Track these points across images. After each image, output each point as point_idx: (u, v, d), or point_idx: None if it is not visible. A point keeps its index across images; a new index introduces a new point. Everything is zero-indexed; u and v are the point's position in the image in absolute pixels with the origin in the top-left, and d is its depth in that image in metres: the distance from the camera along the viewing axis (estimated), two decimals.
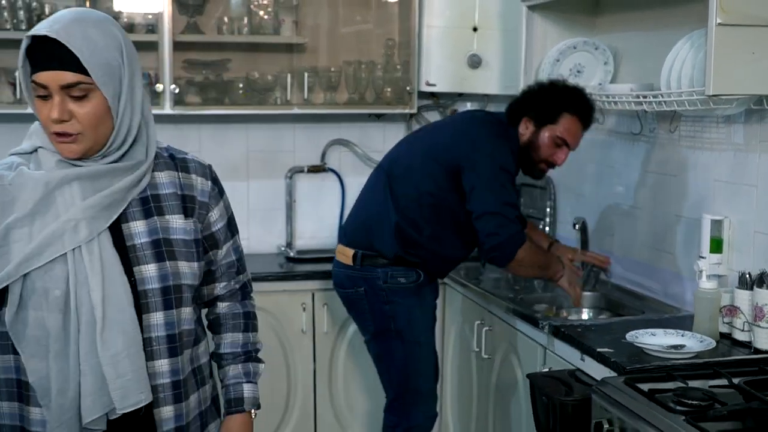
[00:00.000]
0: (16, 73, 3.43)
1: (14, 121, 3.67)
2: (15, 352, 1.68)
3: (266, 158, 3.98)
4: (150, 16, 3.60)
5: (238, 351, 1.93)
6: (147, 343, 1.70)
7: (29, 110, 3.38)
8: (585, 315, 3.19)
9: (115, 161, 1.69)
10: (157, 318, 1.72)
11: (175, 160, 1.79)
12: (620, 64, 3.24)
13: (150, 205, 1.74)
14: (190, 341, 1.80)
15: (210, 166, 1.85)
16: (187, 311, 1.77)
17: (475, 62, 3.84)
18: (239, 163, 3.95)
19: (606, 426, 2.11)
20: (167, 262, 1.73)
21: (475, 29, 3.83)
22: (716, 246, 2.66)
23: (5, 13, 3.46)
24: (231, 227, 1.89)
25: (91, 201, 1.65)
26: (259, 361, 1.97)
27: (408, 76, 3.85)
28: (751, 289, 2.43)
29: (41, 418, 1.68)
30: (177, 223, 1.75)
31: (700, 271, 2.59)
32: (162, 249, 1.73)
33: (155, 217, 1.74)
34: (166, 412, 1.74)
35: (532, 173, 3.03)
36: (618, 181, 3.27)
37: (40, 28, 1.60)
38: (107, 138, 1.66)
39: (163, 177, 1.77)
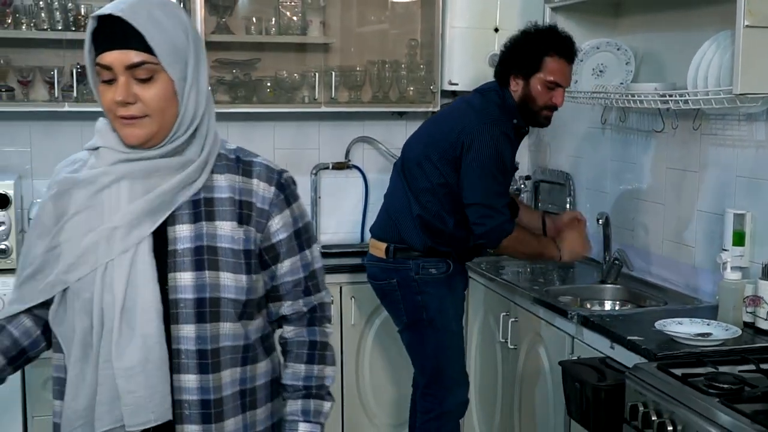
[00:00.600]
0: (57, 70, 3.55)
1: (50, 119, 3.78)
2: (59, 351, 1.66)
3: (292, 155, 4.07)
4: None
5: (298, 384, 1.73)
6: (175, 354, 1.60)
7: (66, 108, 3.54)
8: (608, 306, 3.30)
9: (170, 155, 1.61)
10: (187, 330, 1.60)
11: (239, 163, 1.68)
12: (641, 64, 3.34)
13: (201, 209, 1.63)
14: (236, 359, 1.65)
15: (281, 172, 1.70)
16: (227, 326, 1.62)
17: (496, 62, 3.93)
18: None
19: (641, 409, 2.22)
20: (206, 272, 1.60)
21: (496, 30, 3.93)
22: (738, 239, 2.76)
23: (42, 14, 3.56)
24: (300, 240, 1.70)
25: (135, 206, 1.58)
26: (323, 398, 1.75)
27: (431, 75, 3.95)
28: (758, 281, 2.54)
29: None
30: (225, 230, 1.62)
31: (724, 263, 2.70)
32: (203, 257, 1.61)
33: (203, 223, 1.62)
34: (190, 431, 1.61)
35: (538, 123, 3.15)
36: (639, 177, 3.37)
37: (105, 9, 1.55)
38: (172, 124, 1.58)
39: (222, 180, 1.65)
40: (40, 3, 3.55)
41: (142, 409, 1.56)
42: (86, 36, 1.58)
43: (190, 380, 1.60)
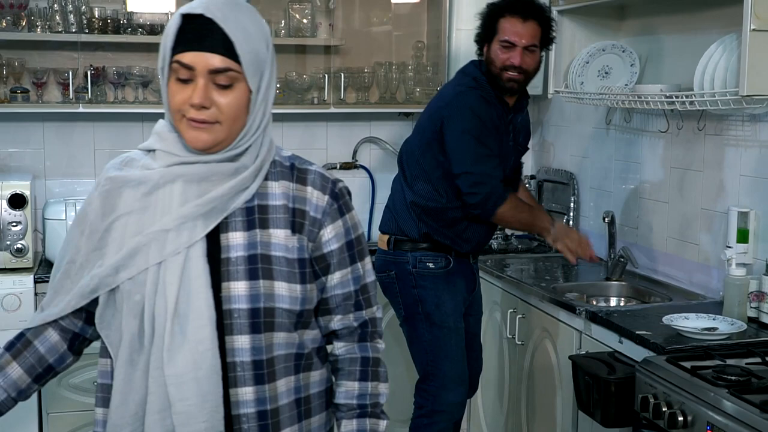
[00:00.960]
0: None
1: (63, 120, 3.84)
2: (106, 356, 1.63)
3: (300, 155, 4.12)
4: None
5: (352, 403, 1.68)
6: (230, 368, 1.55)
7: (80, 109, 3.60)
8: (613, 302, 3.38)
9: (226, 160, 1.57)
10: (242, 341, 1.56)
11: (294, 171, 1.63)
12: (645, 65, 3.42)
13: (254, 216, 1.60)
14: (289, 367, 1.61)
15: (336, 181, 1.66)
16: (281, 336, 1.59)
17: None
18: None
19: (652, 401, 2.29)
20: (261, 281, 1.56)
21: None
22: (742, 236, 2.84)
23: (57, 17, 3.62)
24: (351, 252, 1.66)
25: (186, 209, 1.55)
26: (379, 417, 1.70)
27: (437, 76, 4.02)
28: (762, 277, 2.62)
29: None
30: (279, 239, 1.59)
31: (729, 260, 2.77)
32: (257, 266, 1.57)
33: (257, 230, 1.59)
34: None
35: (503, 87, 3.07)
36: (643, 176, 3.45)
37: (195, 7, 1.50)
38: (238, 133, 1.56)
39: (276, 187, 1.61)
40: (55, 6, 3.61)
41: (194, 419, 1.52)
42: (169, 31, 1.52)
43: (247, 393, 1.56)
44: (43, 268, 3.53)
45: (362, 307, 1.69)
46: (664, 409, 2.23)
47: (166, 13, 3.75)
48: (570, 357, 2.77)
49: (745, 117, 2.86)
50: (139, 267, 1.55)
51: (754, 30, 2.40)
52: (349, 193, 1.70)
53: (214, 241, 1.57)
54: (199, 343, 1.52)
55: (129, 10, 3.72)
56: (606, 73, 3.42)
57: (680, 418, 2.17)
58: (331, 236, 1.63)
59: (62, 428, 3.50)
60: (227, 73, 1.51)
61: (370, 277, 1.71)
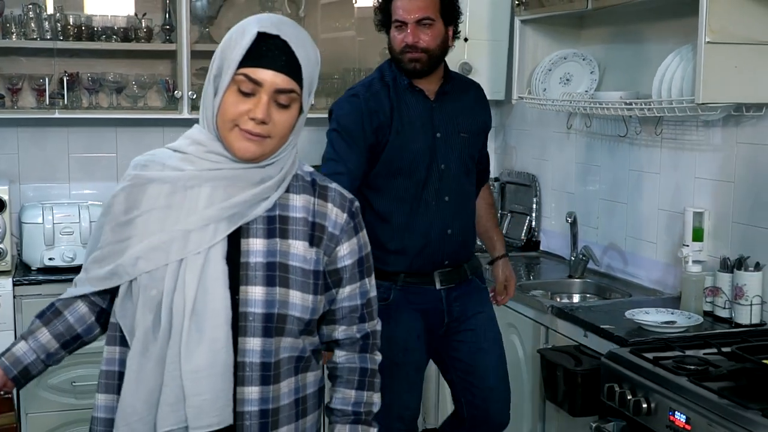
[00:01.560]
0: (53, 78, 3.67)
1: (37, 125, 3.90)
2: (121, 344, 1.69)
3: None
4: (168, 27, 3.85)
5: (347, 409, 1.78)
6: (240, 367, 1.63)
7: (57, 114, 3.65)
8: (576, 299, 3.54)
9: (253, 168, 1.65)
10: (253, 343, 1.64)
11: (315, 186, 1.73)
12: (604, 73, 3.59)
13: (275, 225, 1.68)
14: (291, 369, 1.70)
15: (353, 200, 1.76)
16: (288, 341, 1.68)
17: (465, 70, 4.15)
18: None
19: (618, 389, 2.44)
20: (277, 288, 1.65)
21: (465, 40, 4.13)
22: (698, 235, 3.01)
23: (32, 24, 3.67)
24: (362, 268, 1.77)
25: (211, 211, 1.63)
26: (370, 424, 1.81)
27: None
28: (732, 272, 2.80)
29: None
30: (298, 250, 1.68)
31: (686, 257, 2.95)
32: (275, 273, 1.65)
33: (277, 239, 1.67)
34: None
35: (406, 70, 2.75)
36: (603, 178, 3.62)
37: (269, 27, 1.60)
38: (279, 148, 1.65)
39: (298, 200, 1.70)
40: (30, 14, 3.67)
41: (206, 413, 1.60)
42: (239, 44, 1.59)
43: (253, 392, 1.64)
44: (20, 271, 3.58)
45: (365, 319, 1.79)
46: (629, 398, 2.39)
47: (136, 17, 3.81)
48: (538, 350, 2.92)
49: (699, 123, 3.04)
50: (158, 262, 1.62)
51: (708, 42, 2.56)
52: (361, 212, 1.79)
53: (234, 244, 1.65)
54: (215, 341, 1.60)
55: (88, 13, 3.76)
56: (567, 80, 3.58)
57: (644, 405, 2.33)
58: (346, 252, 1.74)
59: (41, 428, 3.55)
60: (289, 94, 1.60)
61: (374, 292, 1.82)
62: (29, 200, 3.86)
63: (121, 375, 1.67)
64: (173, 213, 1.64)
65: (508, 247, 4.01)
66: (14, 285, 3.44)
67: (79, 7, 3.81)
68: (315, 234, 1.70)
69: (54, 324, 1.76)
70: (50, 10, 3.70)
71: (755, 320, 2.75)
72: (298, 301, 1.66)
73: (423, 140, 2.76)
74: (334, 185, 1.76)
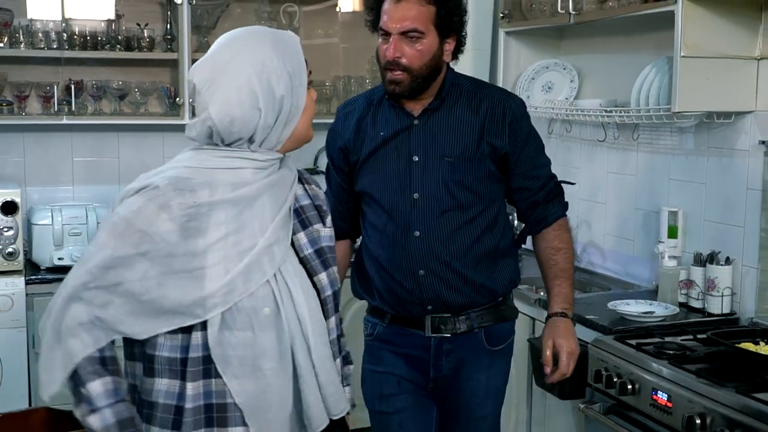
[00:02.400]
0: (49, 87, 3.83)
1: (42, 131, 4.06)
2: (210, 376, 1.66)
3: None
4: (169, 36, 4.03)
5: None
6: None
7: (64, 120, 3.80)
8: None
9: (281, 166, 1.75)
10: (331, 323, 1.81)
11: (302, 175, 1.87)
12: (583, 81, 3.83)
13: (302, 216, 1.81)
14: (335, 340, 1.86)
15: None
16: (336, 317, 1.86)
17: None
18: None
19: (605, 373, 2.68)
20: (331, 269, 1.82)
21: None
22: (672, 232, 3.27)
23: (39, 34, 3.83)
24: None
25: (278, 221, 1.71)
26: (351, 363, 1.99)
27: None
28: (704, 266, 3.05)
29: None
30: (324, 232, 1.84)
31: (662, 253, 3.20)
32: (324, 257, 1.81)
33: (310, 228, 1.81)
34: None
35: (387, 90, 2.36)
36: (583, 180, 3.86)
37: None
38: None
39: (299, 189, 1.83)
40: (38, 24, 3.83)
41: (340, 396, 1.78)
42: None
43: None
44: (28, 270, 3.74)
45: None
46: (615, 379, 2.63)
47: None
48: (528, 340, 3.15)
49: (673, 129, 3.29)
50: (257, 282, 1.66)
51: (683, 56, 2.81)
52: None
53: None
54: (324, 334, 1.76)
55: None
56: (549, 87, 3.82)
57: (629, 386, 2.57)
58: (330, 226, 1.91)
59: None
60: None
61: None
62: (34, 203, 4.02)
63: (213, 407, 1.67)
64: (246, 231, 1.68)
65: None
66: (26, 284, 3.60)
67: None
68: (323, 214, 1.86)
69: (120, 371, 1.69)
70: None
71: (726, 310, 3.00)
72: (338, 275, 1.88)
73: (396, 164, 2.38)
74: (305, 173, 1.92)
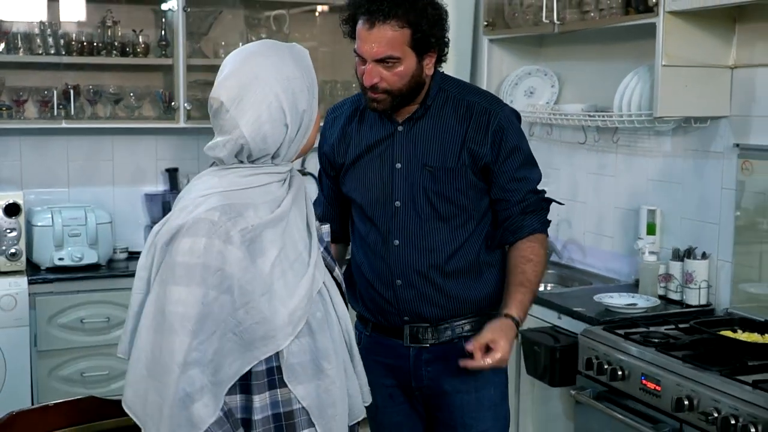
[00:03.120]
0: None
1: (38, 135, 4.16)
2: (275, 387, 1.72)
3: None
4: (163, 42, 4.15)
5: None
6: None
7: (63, 124, 3.91)
8: (541, 288, 3.96)
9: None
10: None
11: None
12: (562, 87, 4.03)
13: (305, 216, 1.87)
14: None
15: None
16: None
17: None
18: None
19: (595, 360, 2.88)
20: (337, 267, 1.91)
21: None
22: (651, 229, 3.48)
23: (38, 39, 3.93)
24: None
25: (308, 231, 1.81)
26: None
27: None
28: (682, 260, 3.26)
29: None
30: (324, 228, 1.88)
31: (642, 249, 3.40)
32: (331, 253, 1.90)
33: (313, 228, 1.85)
34: None
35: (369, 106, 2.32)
36: (564, 180, 4.06)
37: None
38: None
39: None
40: (36, 30, 3.92)
41: (367, 388, 1.93)
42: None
43: None
44: (28, 270, 3.82)
45: None
46: (605, 366, 2.82)
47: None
48: (519, 331, 3.33)
49: (651, 132, 3.50)
50: (315, 289, 1.76)
51: (664, 65, 3.01)
52: None
53: None
54: (351, 324, 1.90)
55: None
56: (531, 92, 4.01)
57: (619, 372, 2.77)
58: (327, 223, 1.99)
59: None
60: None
61: None
62: (32, 204, 4.10)
63: (280, 416, 1.73)
64: (291, 245, 1.75)
65: None
66: (29, 283, 3.70)
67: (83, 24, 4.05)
68: (313, 213, 1.87)
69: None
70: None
71: (703, 302, 3.22)
72: None
73: (379, 171, 2.36)
74: None
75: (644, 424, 2.63)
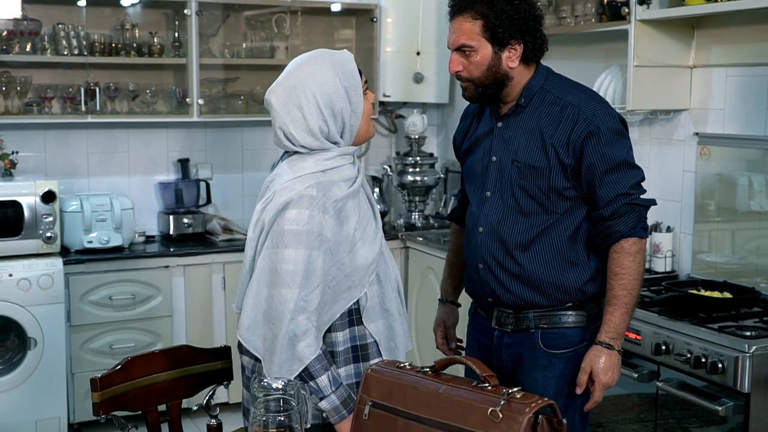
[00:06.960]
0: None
1: (61, 128, 4.50)
2: (354, 324, 2.16)
3: (255, 154, 4.98)
4: (177, 43, 4.52)
5: None
6: None
7: (89, 119, 4.28)
8: None
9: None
10: None
11: None
12: None
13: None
14: None
15: None
16: None
17: (418, 78, 5.01)
18: (234, 159, 4.94)
19: None
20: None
21: (418, 53, 4.99)
22: None
23: (63, 41, 4.28)
24: None
25: (369, 201, 2.24)
26: None
27: (371, 89, 4.95)
28: (650, 234, 3.77)
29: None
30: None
31: None
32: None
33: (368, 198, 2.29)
34: None
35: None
36: None
37: None
38: None
39: None
40: (61, 32, 4.27)
41: (409, 331, 2.36)
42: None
43: None
44: (62, 252, 4.18)
45: None
46: None
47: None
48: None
49: None
50: (381, 251, 2.22)
51: (636, 66, 3.52)
52: None
53: None
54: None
55: None
56: None
57: None
58: None
59: (85, 385, 4.16)
60: None
61: None
62: (59, 193, 4.44)
63: (356, 348, 2.18)
64: (363, 214, 2.17)
65: None
66: (64, 264, 4.06)
67: (104, 26, 4.38)
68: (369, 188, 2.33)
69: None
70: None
71: (668, 269, 3.74)
72: None
73: (481, 162, 2.49)
74: None
75: (627, 369, 3.13)
